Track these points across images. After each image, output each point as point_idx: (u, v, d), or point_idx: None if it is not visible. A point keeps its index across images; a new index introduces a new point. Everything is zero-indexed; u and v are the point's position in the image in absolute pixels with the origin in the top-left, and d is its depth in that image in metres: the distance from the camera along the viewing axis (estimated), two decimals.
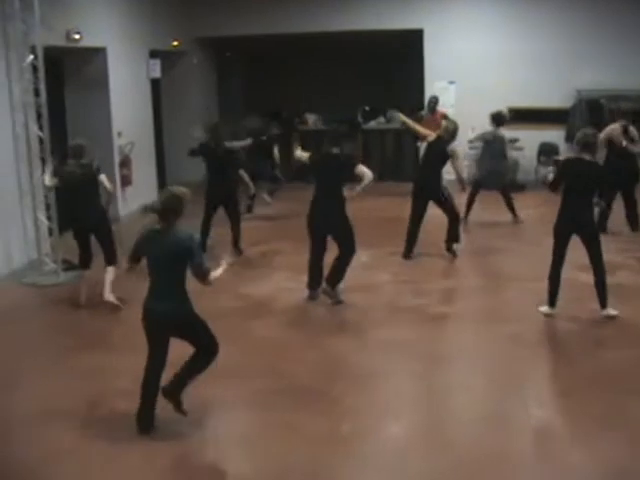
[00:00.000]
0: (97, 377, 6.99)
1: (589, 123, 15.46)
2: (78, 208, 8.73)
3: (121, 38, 13.66)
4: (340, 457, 5.55)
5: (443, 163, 10.51)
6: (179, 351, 5.95)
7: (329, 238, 8.69)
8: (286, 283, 9.59)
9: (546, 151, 15.89)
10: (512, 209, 12.69)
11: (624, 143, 11.27)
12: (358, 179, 8.43)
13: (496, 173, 12.69)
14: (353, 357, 7.37)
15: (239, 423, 6.05)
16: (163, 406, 6.03)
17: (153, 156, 15.32)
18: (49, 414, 6.27)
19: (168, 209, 5.62)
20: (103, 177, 8.75)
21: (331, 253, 8.75)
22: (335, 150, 8.65)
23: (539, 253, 10.74)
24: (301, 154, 8.95)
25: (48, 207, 10.45)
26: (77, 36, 11.74)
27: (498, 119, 12.81)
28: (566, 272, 9.51)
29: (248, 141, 12.02)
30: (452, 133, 10.48)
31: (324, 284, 8.69)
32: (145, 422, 5.85)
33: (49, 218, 10.45)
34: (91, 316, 8.66)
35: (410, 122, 11.56)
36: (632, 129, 11.52)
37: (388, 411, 6.34)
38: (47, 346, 7.91)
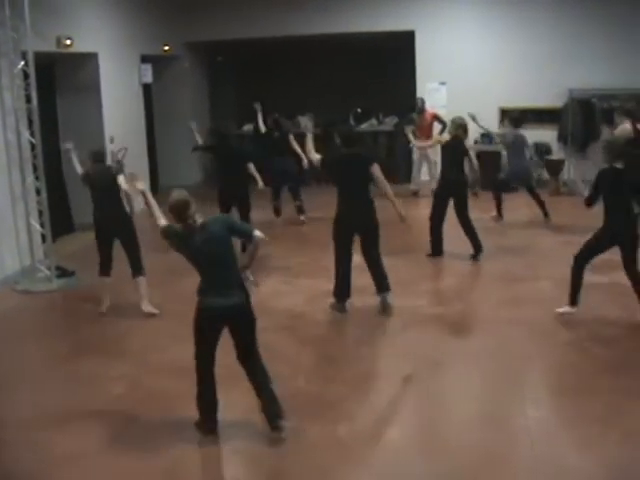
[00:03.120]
0: (92, 383, 6.96)
1: (581, 122, 15.59)
2: (103, 213, 8.66)
3: (112, 43, 13.65)
4: (337, 461, 5.52)
5: (462, 160, 10.51)
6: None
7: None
8: (281, 286, 9.57)
9: (539, 151, 15.91)
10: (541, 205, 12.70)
11: None
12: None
13: (522, 172, 12.73)
14: (349, 360, 7.36)
15: (236, 428, 6.02)
16: (160, 408, 6.02)
17: (146, 161, 15.29)
18: (45, 421, 6.24)
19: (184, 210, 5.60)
20: (120, 178, 8.61)
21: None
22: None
23: (535, 253, 10.80)
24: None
25: (41, 213, 10.41)
26: (68, 42, 11.71)
27: (515, 119, 12.90)
28: (559, 270, 9.55)
29: None
30: (460, 127, 10.53)
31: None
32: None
33: (42, 224, 10.41)
34: (85, 323, 8.63)
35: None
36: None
37: (384, 414, 6.33)
38: (41, 353, 7.87)
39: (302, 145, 10.87)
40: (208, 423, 5.86)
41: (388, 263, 9.92)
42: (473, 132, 14.62)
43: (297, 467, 5.46)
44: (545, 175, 15.77)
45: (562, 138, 16.07)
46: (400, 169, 16.45)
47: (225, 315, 5.64)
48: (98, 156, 8.80)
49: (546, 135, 15.95)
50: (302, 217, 13.31)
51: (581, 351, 7.39)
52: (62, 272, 10.30)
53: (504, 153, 13.23)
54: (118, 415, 6.28)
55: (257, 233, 5.75)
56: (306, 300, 9.04)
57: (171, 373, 7.01)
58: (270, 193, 13.08)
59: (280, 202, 13.39)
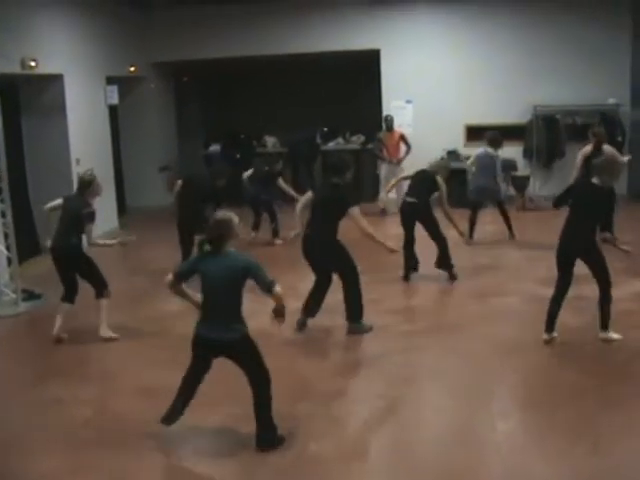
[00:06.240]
0: (58, 407, 6.87)
1: (545, 139, 15.78)
2: (57, 240, 8.49)
3: (78, 65, 13.59)
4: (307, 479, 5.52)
5: (431, 191, 10.46)
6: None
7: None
8: (250, 305, 9.51)
9: (505, 167, 16.01)
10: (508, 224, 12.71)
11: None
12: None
13: (489, 188, 12.73)
14: (318, 379, 7.34)
15: (205, 450, 5.99)
16: (129, 431, 5.97)
17: (112, 182, 15.21)
18: (8, 447, 6.15)
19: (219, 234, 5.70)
20: (89, 228, 8.35)
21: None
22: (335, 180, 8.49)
23: (502, 270, 10.87)
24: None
25: (6, 236, 10.31)
26: (33, 63, 11.66)
27: (494, 141, 12.86)
28: (525, 286, 9.65)
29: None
30: (442, 168, 10.70)
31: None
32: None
33: (7, 247, 10.31)
34: (52, 346, 8.51)
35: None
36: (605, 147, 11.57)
37: (355, 432, 6.31)
38: (7, 378, 7.78)
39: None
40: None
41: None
42: (438, 150, 14.83)
43: None
44: (511, 191, 15.90)
45: (527, 154, 16.24)
46: (366, 188, 16.50)
47: (214, 348, 5.75)
48: (81, 184, 8.53)
49: (512, 151, 16.08)
50: (278, 240, 13.30)
51: (549, 364, 7.44)
52: (28, 295, 10.20)
53: (472, 169, 13.27)
54: (85, 440, 6.20)
55: (277, 289, 5.80)
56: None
57: (139, 396, 6.97)
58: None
59: (260, 219, 13.52)
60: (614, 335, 7.82)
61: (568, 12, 15.52)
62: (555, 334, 7.89)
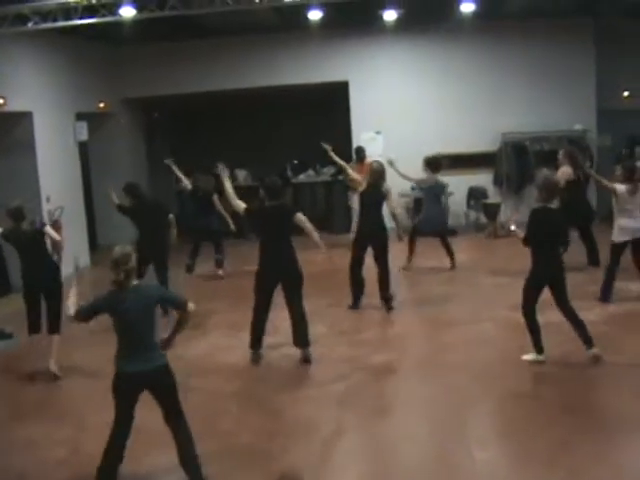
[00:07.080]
0: (33, 449, 6.77)
1: (515, 165, 15.93)
2: (31, 269, 8.50)
3: (47, 102, 13.57)
4: None
5: (381, 205, 10.33)
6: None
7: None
8: (223, 341, 9.48)
9: (475, 195, 16.17)
10: (450, 254, 12.58)
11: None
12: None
13: (437, 219, 12.69)
14: (293, 413, 7.28)
15: None
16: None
17: (83, 219, 15.16)
18: None
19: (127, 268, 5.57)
20: (48, 229, 8.52)
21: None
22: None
23: (475, 296, 10.89)
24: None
25: None
26: (1, 101, 11.62)
27: (434, 164, 12.68)
28: (498, 312, 9.67)
29: None
30: (380, 173, 10.38)
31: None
32: None
33: None
34: (22, 386, 8.40)
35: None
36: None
37: (329, 465, 6.26)
38: None
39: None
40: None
41: (329, 313, 9.94)
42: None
43: None
44: (482, 219, 16.00)
45: (498, 182, 16.37)
46: (338, 219, 16.53)
47: (147, 380, 5.61)
48: (17, 214, 8.55)
49: (482, 179, 16.24)
50: (220, 271, 13.24)
51: (524, 391, 7.43)
52: None
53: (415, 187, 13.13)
54: None
55: (192, 305, 5.78)
56: (249, 355, 8.96)
57: None
58: (189, 250, 13.23)
59: (195, 261, 13.31)
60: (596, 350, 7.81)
61: (533, 40, 15.75)
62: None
